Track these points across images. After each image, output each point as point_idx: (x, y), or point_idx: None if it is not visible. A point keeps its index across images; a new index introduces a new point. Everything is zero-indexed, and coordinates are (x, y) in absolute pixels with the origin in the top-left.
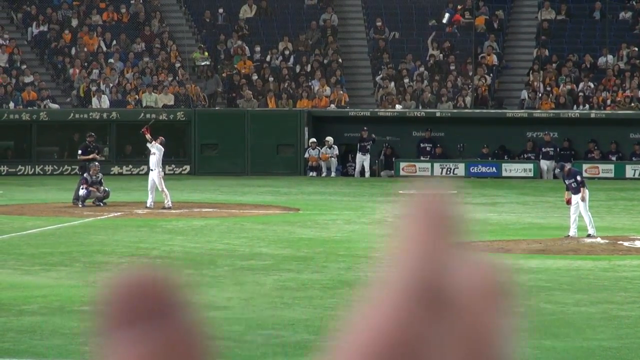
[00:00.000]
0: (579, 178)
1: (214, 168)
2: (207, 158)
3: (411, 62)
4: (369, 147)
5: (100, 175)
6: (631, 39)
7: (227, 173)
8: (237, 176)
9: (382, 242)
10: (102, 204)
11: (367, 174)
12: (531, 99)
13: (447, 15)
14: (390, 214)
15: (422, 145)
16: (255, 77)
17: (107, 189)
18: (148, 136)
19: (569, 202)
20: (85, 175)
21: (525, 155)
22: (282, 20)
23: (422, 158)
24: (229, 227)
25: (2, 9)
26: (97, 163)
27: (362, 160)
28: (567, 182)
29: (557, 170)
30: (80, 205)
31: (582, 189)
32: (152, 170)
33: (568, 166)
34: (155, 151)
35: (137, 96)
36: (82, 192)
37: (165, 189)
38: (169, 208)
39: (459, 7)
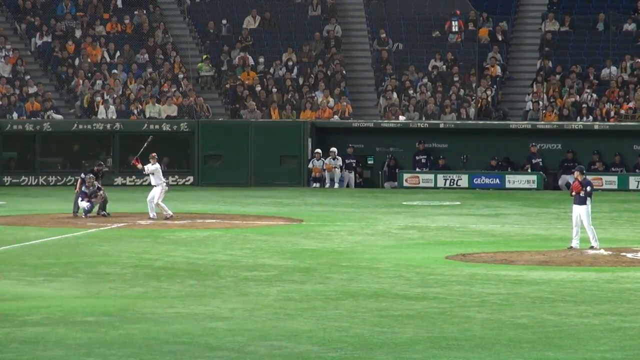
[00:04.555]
0: (588, 189)
1: (217, 179)
2: (210, 169)
3: (414, 74)
4: (354, 164)
5: (96, 184)
6: (635, 51)
7: (230, 184)
8: (241, 187)
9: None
10: (106, 214)
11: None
12: (535, 110)
13: (454, 23)
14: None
15: (417, 157)
16: (258, 88)
17: (103, 193)
18: (139, 166)
19: (575, 188)
20: (83, 189)
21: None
22: (285, 31)
23: (417, 170)
24: (232, 238)
25: (6, 20)
26: (91, 175)
27: (348, 178)
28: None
29: (574, 170)
30: (84, 216)
31: (587, 199)
32: (155, 186)
33: (584, 174)
34: (153, 171)
35: (140, 106)
36: (85, 204)
37: (160, 202)
38: (171, 217)
39: (471, 16)
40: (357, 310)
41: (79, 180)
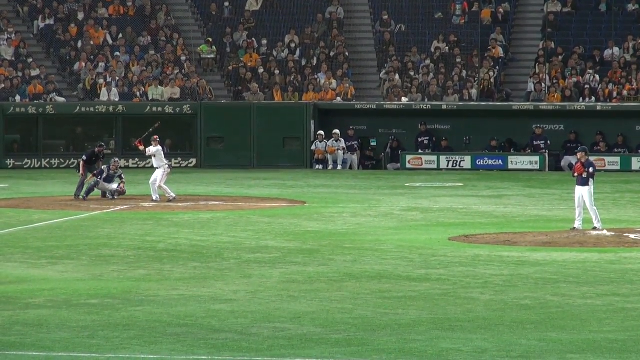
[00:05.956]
0: (591, 170)
1: (220, 161)
2: (213, 151)
3: (417, 55)
4: (356, 146)
5: (120, 171)
6: (637, 32)
7: (233, 166)
8: (243, 169)
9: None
10: (112, 197)
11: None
12: (537, 91)
13: (458, 6)
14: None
15: (420, 139)
16: (261, 70)
17: (120, 188)
18: (141, 148)
19: (577, 169)
20: (103, 167)
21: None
22: (288, 13)
23: (420, 151)
24: (235, 220)
25: (8, 3)
26: (117, 159)
27: (351, 160)
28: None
29: (578, 151)
30: (81, 198)
31: (590, 180)
32: (157, 168)
33: (587, 156)
34: (155, 153)
35: (143, 89)
36: (92, 181)
37: (163, 185)
38: (174, 199)
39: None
40: (360, 292)
41: (81, 162)
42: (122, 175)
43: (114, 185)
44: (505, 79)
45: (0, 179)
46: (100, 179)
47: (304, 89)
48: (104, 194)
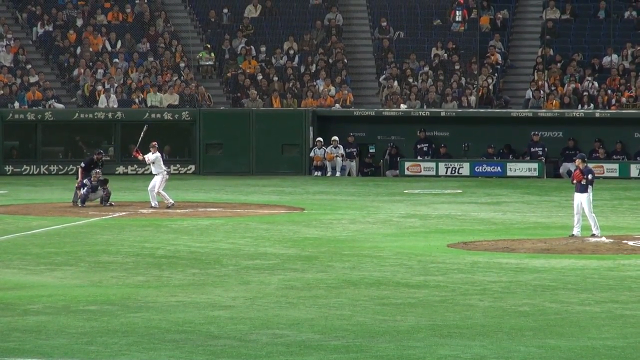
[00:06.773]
0: (589, 177)
1: (219, 168)
2: (212, 158)
3: (416, 62)
4: (355, 153)
5: (100, 180)
6: (636, 39)
7: (232, 173)
8: (242, 176)
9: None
10: (109, 204)
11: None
12: (536, 98)
13: (458, 12)
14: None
15: (418, 146)
16: (260, 76)
17: (105, 193)
18: (140, 157)
19: (576, 176)
20: (85, 181)
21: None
22: (286, 20)
23: (419, 158)
24: (234, 226)
25: (7, 9)
26: (98, 170)
27: (350, 167)
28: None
29: (576, 158)
30: (79, 205)
31: (588, 187)
32: (156, 175)
33: (585, 162)
34: (154, 160)
35: (141, 95)
36: (82, 191)
37: (161, 191)
38: (172, 205)
39: (471, 4)
40: (359, 299)
41: (80, 169)
42: (104, 180)
43: (100, 193)
44: (504, 86)
45: None
46: (87, 192)
47: (303, 95)
48: (101, 201)
